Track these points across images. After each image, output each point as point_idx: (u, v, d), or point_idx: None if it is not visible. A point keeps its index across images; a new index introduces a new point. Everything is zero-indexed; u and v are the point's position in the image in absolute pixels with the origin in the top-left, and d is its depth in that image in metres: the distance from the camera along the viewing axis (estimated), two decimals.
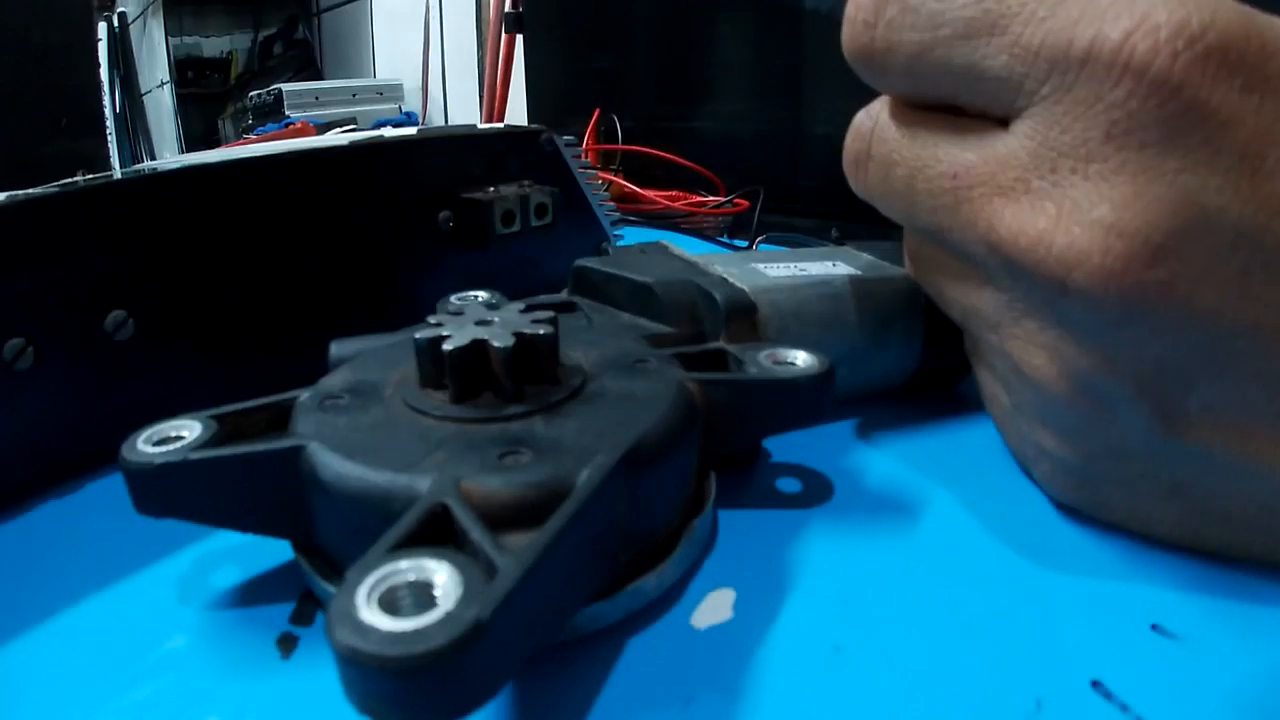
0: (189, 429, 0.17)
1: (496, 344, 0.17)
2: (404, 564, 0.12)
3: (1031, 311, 0.17)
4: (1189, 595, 0.17)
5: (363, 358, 0.20)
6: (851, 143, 0.20)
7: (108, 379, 0.23)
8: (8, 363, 0.20)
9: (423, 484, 0.14)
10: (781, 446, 0.24)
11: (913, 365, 0.26)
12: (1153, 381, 0.15)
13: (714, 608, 0.17)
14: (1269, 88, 0.13)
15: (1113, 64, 0.14)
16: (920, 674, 0.15)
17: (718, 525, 0.20)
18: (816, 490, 0.22)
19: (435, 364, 0.17)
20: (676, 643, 0.16)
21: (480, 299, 0.21)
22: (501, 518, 0.14)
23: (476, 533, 0.13)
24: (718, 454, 0.20)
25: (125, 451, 0.16)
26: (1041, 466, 0.20)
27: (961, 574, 0.18)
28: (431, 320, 0.18)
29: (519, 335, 0.17)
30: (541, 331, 0.18)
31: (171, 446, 0.16)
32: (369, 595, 0.11)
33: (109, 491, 0.22)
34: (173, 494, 0.16)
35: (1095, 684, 0.15)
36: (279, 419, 0.18)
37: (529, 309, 0.19)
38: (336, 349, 0.21)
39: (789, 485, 0.22)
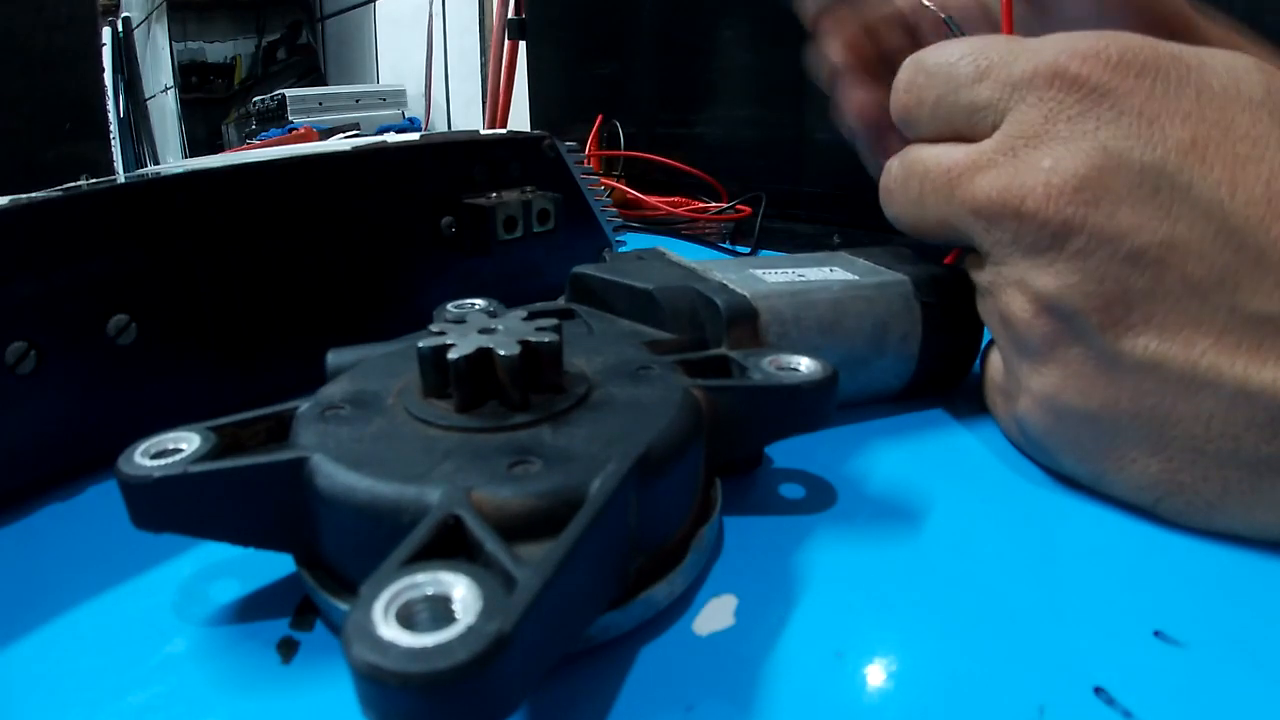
0: (187, 441, 0.16)
1: (502, 352, 0.17)
2: (420, 578, 0.12)
3: (1006, 258, 0.21)
4: (1191, 602, 0.17)
5: (362, 367, 0.20)
6: (883, 180, 0.26)
7: (110, 383, 0.23)
8: (10, 366, 0.20)
9: (433, 495, 0.14)
10: (783, 452, 0.23)
11: (910, 369, 0.26)
12: (1096, 295, 0.19)
13: (716, 614, 0.17)
14: (1159, 74, 0.19)
15: (1050, 75, 0.20)
16: (922, 680, 0.15)
17: (724, 532, 0.20)
18: (820, 496, 0.22)
19: (439, 373, 0.17)
20: (678, 649, 0.16)
21: (477, 306, 0.21)
22: (514, 528, 0.14)
23: (491, 544, 0.13)
24: (722, 460, 0.20)
25: (122, 465, 0.15)
26: (1029, 411, 0.22)
27: (963, 580, 0.18)
28: (434, 329, 0.18)
29: (524, 343, 0.17)
30: (547, 339, 0.17)
31: (170, 459, 0.16)
32: (386, 610, 0.11)
33: (110, 495, 0.22)
34: (171, 508, 0.15)
35: (1098, 690, 0.15)
36: (278, 430, 0.17)
37: (531, 317, 0.19)
38: (334, 358, 0.21)
39: (793, 491, 0.22)
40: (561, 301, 0.27)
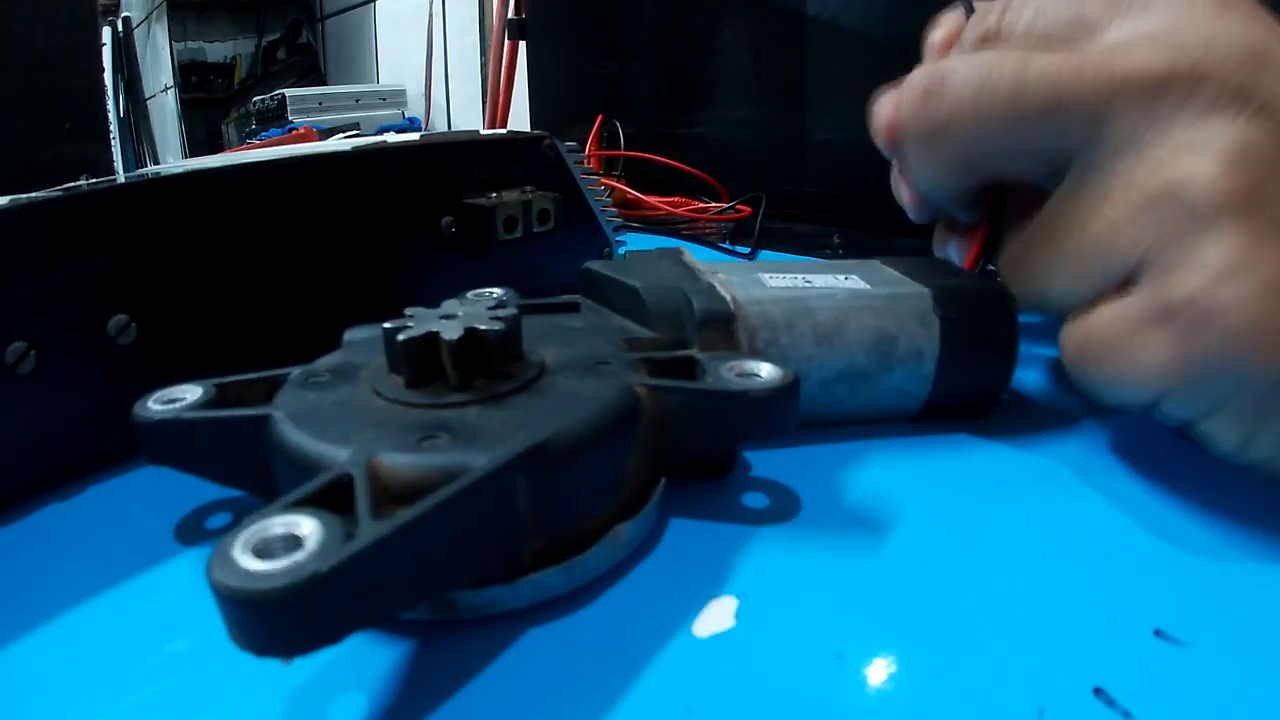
0: (191, 392, 0.19)
1: (446, 336, 0.18)
2: (288, 519, 0.13)
3: (1171, 127, 0.20)
4: (1192, 600, 0.17)
5: (358, 343, 0.22)
6: (922, 77, 0.24)
7: (110, 383, 0.23)
8: (10, 366, 0.20)
9: (342, 455, 0.16)
10: (786, 455, 0.24)
11: (926, 390, 0.24)
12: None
13: (716, 615, 0.17)
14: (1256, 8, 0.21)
15: None
16: (923, 681, 0.15)
17: (665, 531, 0.20)
18: (820, 497, 0.21)
19: (395, 351, 0.19)
20: (678, 651, 0.16)
21: (495, 295, 0.22)
22: (403, 494, 0.15)
23: (361, 501, 0.14)
24: (672, 461, 0.20)
25: (136, 408, 0.18)
26: (1208, 294, 0.19)
27: (962, 580, 0.18)
28: (408, 312, 0.19)
29: (469, 329, 0.18)
30: (494, 328, 0.18)
31: (172, 406, 0.18)
32: (247, 541, 0.13)
33: (111, 494, 0.22)
34: (171, 447, 0.18)
35: (1098, 691, 0.15)
36: (276, 390, 0.19)
37: (498, 305, 0.20)
38: (349, 335, 0.23)
39: (792, 493, 0.22)
40: (578, 295, 0.27)
